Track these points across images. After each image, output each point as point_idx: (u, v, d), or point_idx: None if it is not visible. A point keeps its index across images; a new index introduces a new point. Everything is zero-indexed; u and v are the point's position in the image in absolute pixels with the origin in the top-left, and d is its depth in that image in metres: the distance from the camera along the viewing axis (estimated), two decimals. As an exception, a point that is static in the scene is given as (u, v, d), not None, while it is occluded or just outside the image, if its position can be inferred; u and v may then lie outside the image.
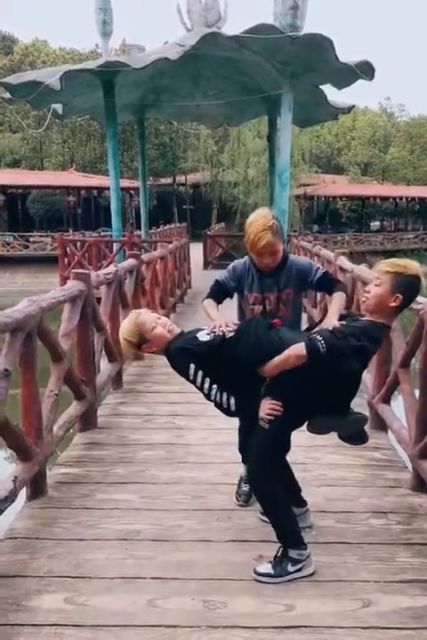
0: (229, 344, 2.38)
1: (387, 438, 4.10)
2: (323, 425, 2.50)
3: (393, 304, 2.25)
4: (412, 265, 2.25)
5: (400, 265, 2.25)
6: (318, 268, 2.85)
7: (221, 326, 2.46)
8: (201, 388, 2.40)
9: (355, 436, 2.54)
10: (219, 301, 2.87)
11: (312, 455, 3.73)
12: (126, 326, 2.45)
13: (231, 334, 2.43)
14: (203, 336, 2.43)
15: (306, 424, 2.50)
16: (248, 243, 2.63)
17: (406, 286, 2.24)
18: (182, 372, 2.41)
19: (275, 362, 2.31)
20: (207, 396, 2.42)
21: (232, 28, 9.91)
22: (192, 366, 2.36)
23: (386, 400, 4.16)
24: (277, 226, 2.59)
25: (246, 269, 2.85)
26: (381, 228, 42.91)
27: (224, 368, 2.36)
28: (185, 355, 2.38)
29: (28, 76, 10.43)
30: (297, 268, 2.80)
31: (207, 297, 2.87)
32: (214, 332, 2.44)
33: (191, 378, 2.38)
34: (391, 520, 2.98)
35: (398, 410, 3.88)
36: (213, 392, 2.38)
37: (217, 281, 2.90)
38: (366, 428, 2.59)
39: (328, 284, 2.83)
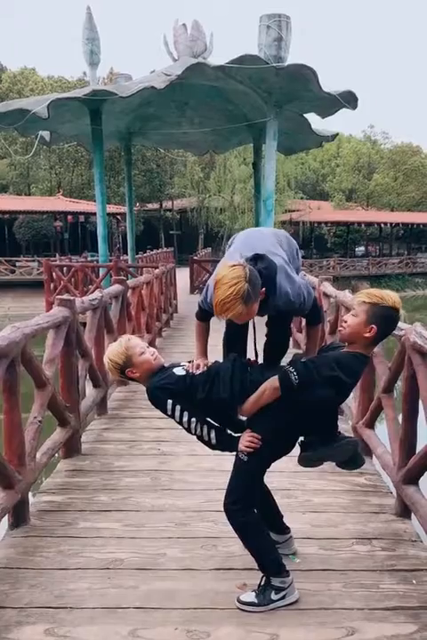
0: (200, 384, 2.38)
1: (372, 463, 4.11)
2: (312, 458, 2.50)
3: (367, 335, 2.23)
4: (389, 296, 2.22)
5: (377, 296, 2.22)
6: (304, 299, 2.62)
7: (193, 367, 2.45)
8: (180, 422, 2.40)
9: (349, 462, 2.54)
10: (208, 320, 2.83)
11: (297, 481, 3.72)
12: (114, 348, 2.46)
13: (199, 374, 2.42)
14: (179, 371, 2.44)
15: (297, 459, 2.50)
16: (215, 307, 2.20)
17: (382, 317, 2.22)
18: (161, 408, 2.42)
19: (251, 400, 2.33)
20: (188, 430, 2.42)
21: (218, 58, 10.13)
22: (169, 402, 2.37)
23: (370, 425, 4.18)
24: (248, 290, 2.12)
25: None
26: (366, 253, 43.41)
27: (202, 405, 2.37)
28: (162, 391, 2.39)
29: (16, 103, 10.50)
30: (282, 301, 2.50)
31: (197, 317, 2.82)
32: (188, 371, 2.43)
33: (169, 413, 2.39)
34: (376, 546, 2.97)
35: (383, 435, 3.90)
36: (193, 425, 2.39)
37: (198, 304, 2.80)
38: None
39: (311, 317, 2.77)
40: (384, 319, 2.23)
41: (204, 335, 2.75)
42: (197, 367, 2.45)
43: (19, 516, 3.18)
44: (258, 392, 2.31)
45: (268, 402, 2.30)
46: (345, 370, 2.23)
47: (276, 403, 2.29)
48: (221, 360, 2.65)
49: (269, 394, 2.28)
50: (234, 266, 2.15)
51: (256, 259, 2.28)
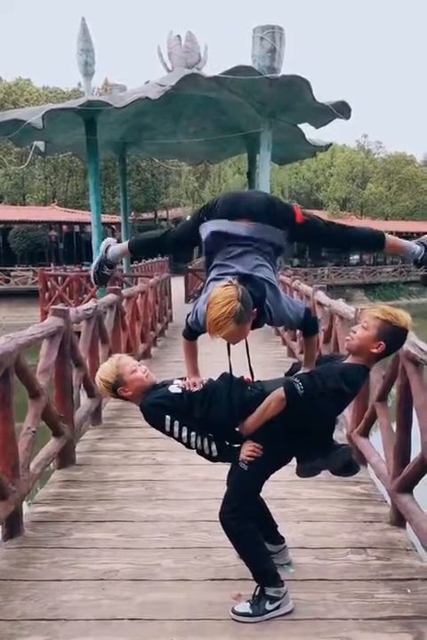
0: (197, 403, 2.37)
1: (367, 472, 4.11)
2: (309, 468, 2.51)
3: (375, 350, 2.26)
4: (403, 316, 2.26)
5: (391, 314, 2.25)
6: (297, 314, 2.54)
7: (189, 385, 2.43)
8: (180, 438, 2.39)
9: (344, 469, 2.54)
10: (196, 338, 2.73)
11: (292, 490, 3.71)
12: (105, 367, 2.44)
13: (197, 391, 2.40)
14: (174, 388, 2.42)
15: (295, 470, 2.51)
16: (207, 326, 2.18)
17: (392, 335, 2.26)
18: (158, 425, 2.40)
19: (255, 415, 2.33)
20: (187, 445, 2.41)
21: (212, 69, 10.20)
22: (167, 418, 2.35)
23: (365, 434, 4.18)
24: (241, 310, 2.10)
25: None
26: (360, 262, 43.52)
27: (199, 423, 2.37)
28: (159, 408, 2.37)
29: (11, 114, 10.56)
30: (275, 316, 2.45)
31: (184, 336, 2.72)
32: (183, 388, 2.42)
33: (168, 429, 2.37)
34: (371, 555, 2.97)
35: (378, 443, 3.91)
36: (193, 439, 2.38)
37: (187, 323, 2.61)
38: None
39: (306, 327, 2.72)
40: (393, 337, 2.28)
41: (194, 354, 2.70)
42: (194, 385, 2.42)
43: (12, 527, 3.16)
44: (262, 406, 2.31)
45: (273, 414, 2.30)
46: (349, 382, 2.26)
47: (278, 414, 2.29)
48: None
49: (275, 406, 2.28)
50: (226, 286, 2.15)
51: (244, 279, 2.27)
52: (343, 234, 2.76)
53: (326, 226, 2.70)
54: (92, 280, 3.07)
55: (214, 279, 2.40)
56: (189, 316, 2.57)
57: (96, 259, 3.00)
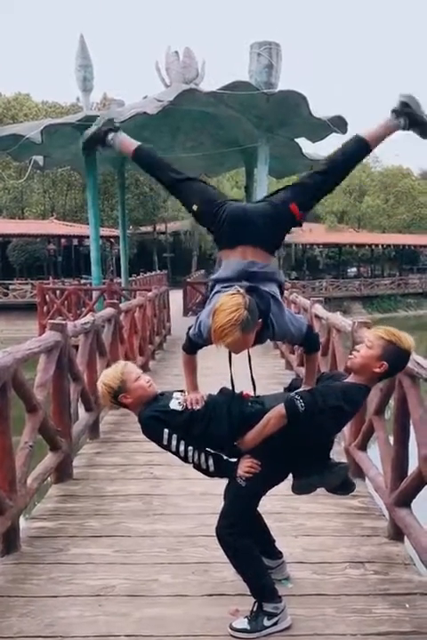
0: (197, 420, 2.37)
1: (365, 486, 4.10)
2: (305, 486, 2.51)
3: (377, 370, 2.27)
4: (406, 339, 2.27)
5: (395, 335, 2.27)
6: (300, 329, 2.52)
7: (190, 402, 2.42)
8: (177, 452, 2.38)
9: (340, 487, 2.54)
10: (196, 352, 2.72)
11: (290, 505, 3.70)
12: (109, 372, 2.45)
13: (199, 409, 2.40)
14: (174, 404, 2.41)
15: (291, 488, 2.50)
16: (213, 333, 2.18)
17: (395, 356, 2.27)
18: (156, 438, 2.40)
19: (255, 431, 2.33)
20: (185, 459, 2.41)
21: (210, 84, 10.29)
22: (166, 431, 2.35)
23: (362, 447, 4.18)
24: (247, 318, 2.11)
25: None
26: (358, 275, 43.69)
27: (198, 439, 2.37)
28: (157, 421, 2.37)
29: (10, 129, 10.63)
30: (278, 330, 2.43)
31: (183, 350, 2.70)
32: (184, 405, 2.41)
33: (165, 443, 2.37)
34: (369, 570, 2.96)
35: (376, 456, 3.90)
36: (191, 454, 2.38)
37: (188, 336, 2.60)
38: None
39: (307, 344, 2.70)
40: (397, 359, 2.29)
41: (194, 369, 2.68)
42: (196, 402, 2.41)
43: (9, 542, 3.14)
44: (262, 422, 2.31)
45: (273, 431, 2.29)
46: (349, 401, 2.27)
47: (276, 431, 2.29)
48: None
49: (275, 422, 2.28)
50: (233, 294, 2.16)
51: (250, 291, 2.28)
52: (333, 170, 2.60)
53: (319, 181, 2.57)
54: (81, 142, 2.86)
55: (219, 291, 2.41)
56: (190, 328, 2.57)
57: (98, 124, 2.80)
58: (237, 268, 2.42)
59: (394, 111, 2.54)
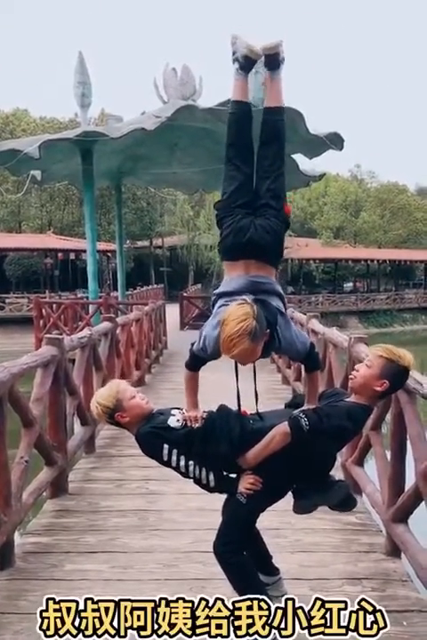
0: (197, 438, 2.36)
1: (362, 501, 4.08)
2: (307, 506, 2.50)
3: (378, 388, 2.28)
4: (406, 356, 2.29)
5: (395, 353, 2.28)
6: (304, 343, 2.52)
7: (189, 419, 2.40)
8: (177, 468, 2.37)
9: (342, 504, 2.53)
10: (198, 369, 2.68)
11: (287, 520, 3.67)
12: (104, 392, 2.42)
13: (198, 427, 2.38)
14: (173, 422, 2.40)
15: (292, 508, 2.50)
16: (221, 343, 2.18)
17: (395, 375, 2.29)
18: (155, 454, 2.39)
19: (258, 448, 2.32)
20: (185, 474, 2.40)
21: (207, 101, 10.38)
22: (166, 447, 2.34)
23: (359, 463, 4.17)
24: (256, 327, 2.11)
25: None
26: (354, 289, 43.85)
27: (197, 456, 2.36)
28: (157, 437, 2.36)
29: (8, 144, 10.65)
30: (284, 343, 2.42)
31: (186, 367, 2.65)
32: (183, 422, 2.40)
33: (166, 458, 2.35)
34: (366, 587, 2.94)
35: (373, 472, 3.89)
36: (191, 468, 2.37)
37: (192, 352, 2.56)
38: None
39: (309, 362, 2.66)
40: (396, 377, 2.30)
41: (195, 387, 2.62)
42: (195, 420, 2.40)
43: (4, 558, 3.12)
44: (266, 440, 2.31)
45: (277, 448, 2.29)
46: (353, 420, 2.28)
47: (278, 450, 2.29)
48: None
49: (279, 440, 2.28)
50: (241, 304, 2.16)
51: (257, 302, 2.28)
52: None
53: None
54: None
55: (224, 305, 2.38)
56: (193, 344, 2.54)
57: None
58: (241, 282, 2.41)
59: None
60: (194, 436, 2.35)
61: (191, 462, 2.36)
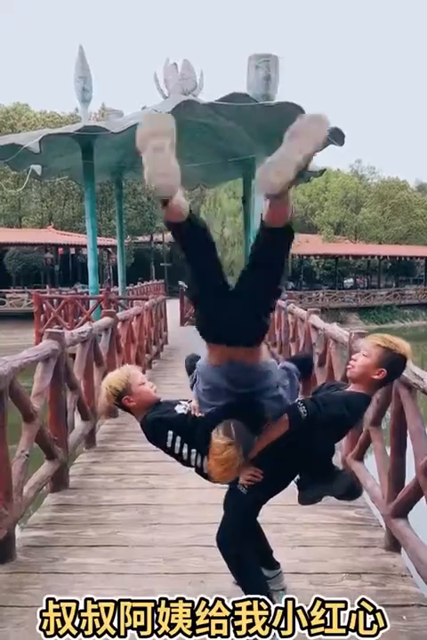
0: (201, 426, 2.34)
1: (362, 496, 4.09)
2: (312, 496, 2.51)
3: (376, 377, 2.30)
4: (403, 345, 2.30)
5: (392, 342, 2.30)
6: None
7: (196, 410, 2.42)
8: (180, 455, 2.38)
9: (347, 493, 2.53)
10: None
11: (287, 515, 3.69)
12: (115, 374, 2.46)
13: (203, 417, 2.37)
14: (180, 409, 2.43)
15: (297, 499, 2.51)
16: (214, 478, 2.23)
17: (393, 363, 2.30)
18: (159, 440, 2.40)
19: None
20: (187, 462, 2.40)
21: (208, 95, 10.35)
22: (170, 433, 2.35)
23: (359, 458, 4.18)
24: (241, 451, 2.13)
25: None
26: (354, 285, 43.82)
27: (200, 445, 2.37)
28: (162, 423, 2.37)
29: (8, 139, 10.63)
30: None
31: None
32: (189, 411, 2.42)
33: (169, 445, 2.36)
34: (366, 581, 2.95)
35: (373, 467, 3.90)
36: (193, 457, 2.37)
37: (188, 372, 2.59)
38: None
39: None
40: (394, 365, 2.31)
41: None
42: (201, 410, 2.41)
43: (5, 551, 3.13)
44: (265, 429, 2.31)
45: (275, 436, 2.30)
46: (353, 410, 2.28)
47: (279, 440, 2.29)
48: None
49: (277, 428, 2.29)
50: (220, 443, 2.11)
51: (239, 408, 2.18)
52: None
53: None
54: None
55: (202, 393, 2.31)
56: (189, 381, 2.55)
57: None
58: (216, 382, 2.22)
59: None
60: (198, 425, 2.36)
61: (193, 450, 2.36)
